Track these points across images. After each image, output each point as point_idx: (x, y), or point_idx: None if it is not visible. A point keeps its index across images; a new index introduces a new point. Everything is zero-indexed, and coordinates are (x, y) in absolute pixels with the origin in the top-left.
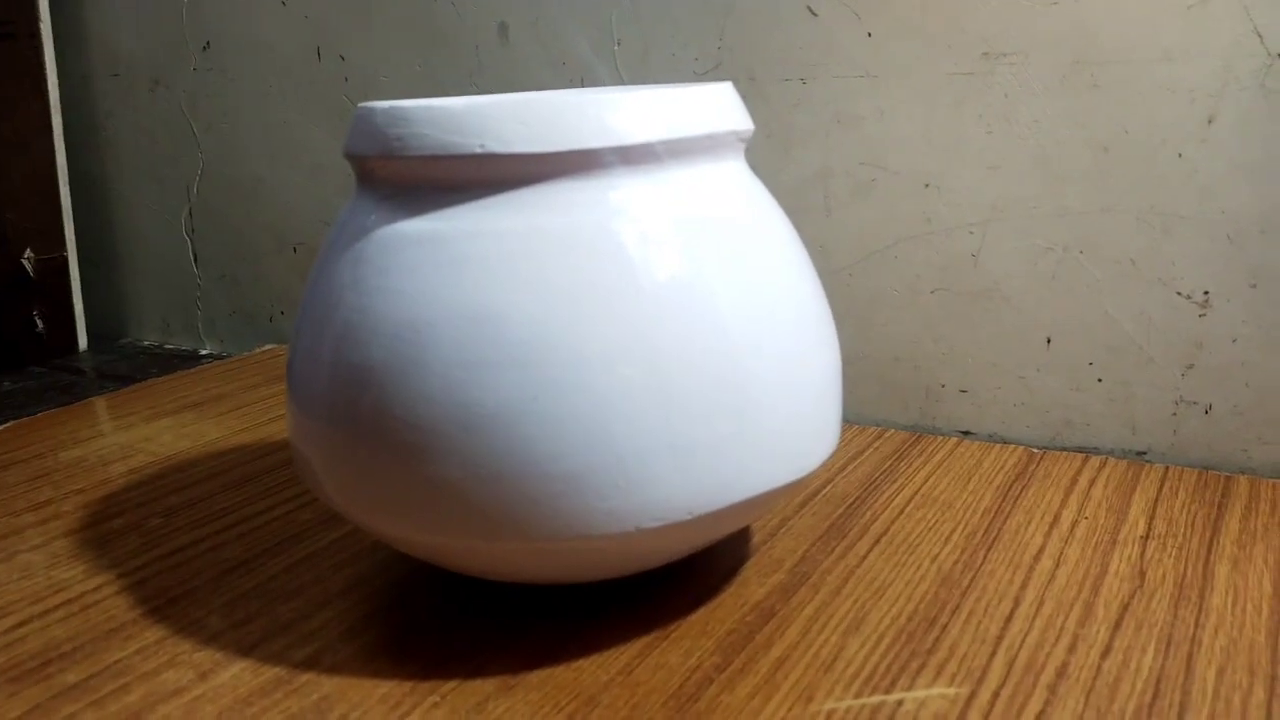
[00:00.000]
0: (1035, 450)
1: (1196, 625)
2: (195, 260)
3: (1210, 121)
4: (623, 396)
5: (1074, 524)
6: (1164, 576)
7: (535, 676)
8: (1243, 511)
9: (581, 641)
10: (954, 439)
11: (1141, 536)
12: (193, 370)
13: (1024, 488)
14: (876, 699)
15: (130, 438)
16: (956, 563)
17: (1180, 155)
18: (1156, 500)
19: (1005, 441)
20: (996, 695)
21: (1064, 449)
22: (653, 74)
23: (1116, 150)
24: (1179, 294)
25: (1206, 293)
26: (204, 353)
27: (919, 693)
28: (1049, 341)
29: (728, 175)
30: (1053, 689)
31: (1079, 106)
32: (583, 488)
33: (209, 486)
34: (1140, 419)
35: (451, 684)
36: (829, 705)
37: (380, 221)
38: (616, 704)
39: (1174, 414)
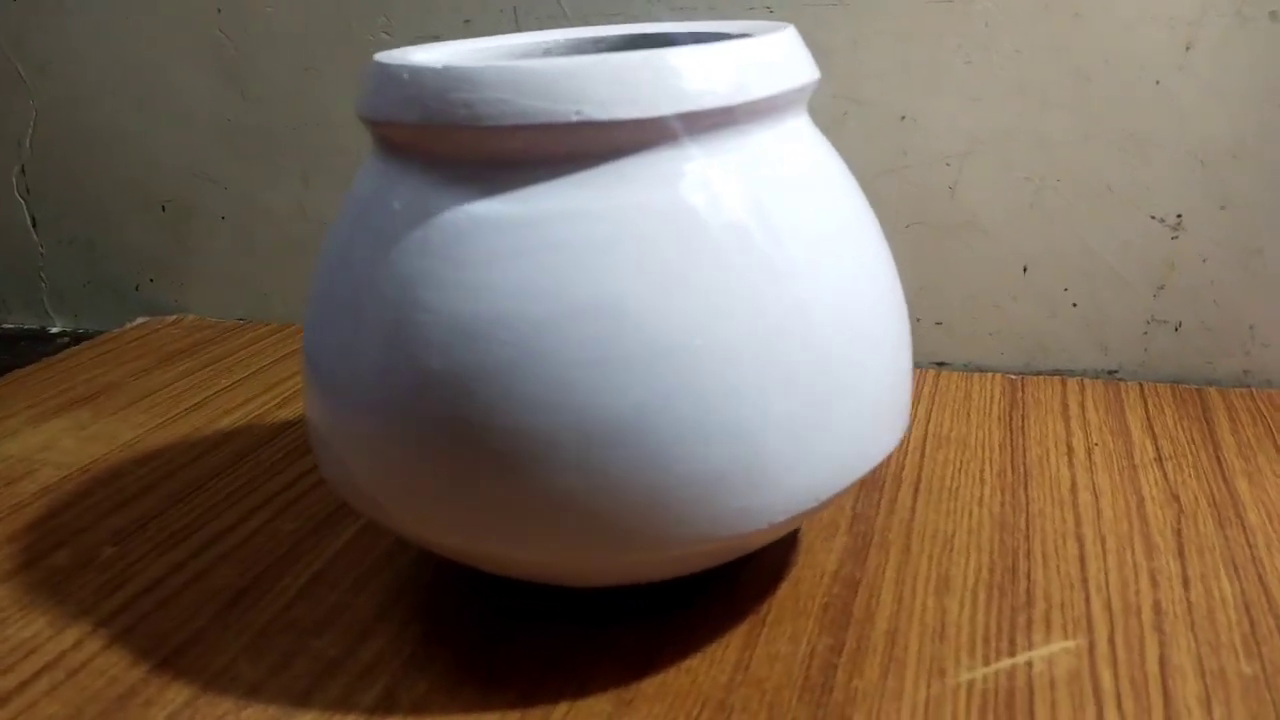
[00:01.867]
0: (1013, 377)
1: (1249, 545)
2: (34, 225)
3: (1188, 49)
4: (753, 387)
5: (1089, 451)
6: (1196, 498)
7: (649, 685)
8: (1230, 424)
9: (675, 640)
10: (931, 370)
11: (1155, 459)
12: (62, 356)
13: (1023, 417)
14: (1006, 663)
15: (23, 448)
16: (1003, 505)
17: (1158, 83)
18: (1149, 420)
19: (981, 370)
20: (1112, 642)
21: (1039, 373)
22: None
23: (1097, 79)
24: (1153, 218)
25: (1179, 216)
26: (54, 330)
27: (1042, 650)
28: (1025, 270)
29: (803, 131)
30: (1159, 629)
31: (1060, 35)
32: (719, 489)
33: (152, 501)
34: (1112, 340)
35: (562, 708)
36: (964, 677)
37: (446, 204)
38: (750, 706)
39: (1145, 333)
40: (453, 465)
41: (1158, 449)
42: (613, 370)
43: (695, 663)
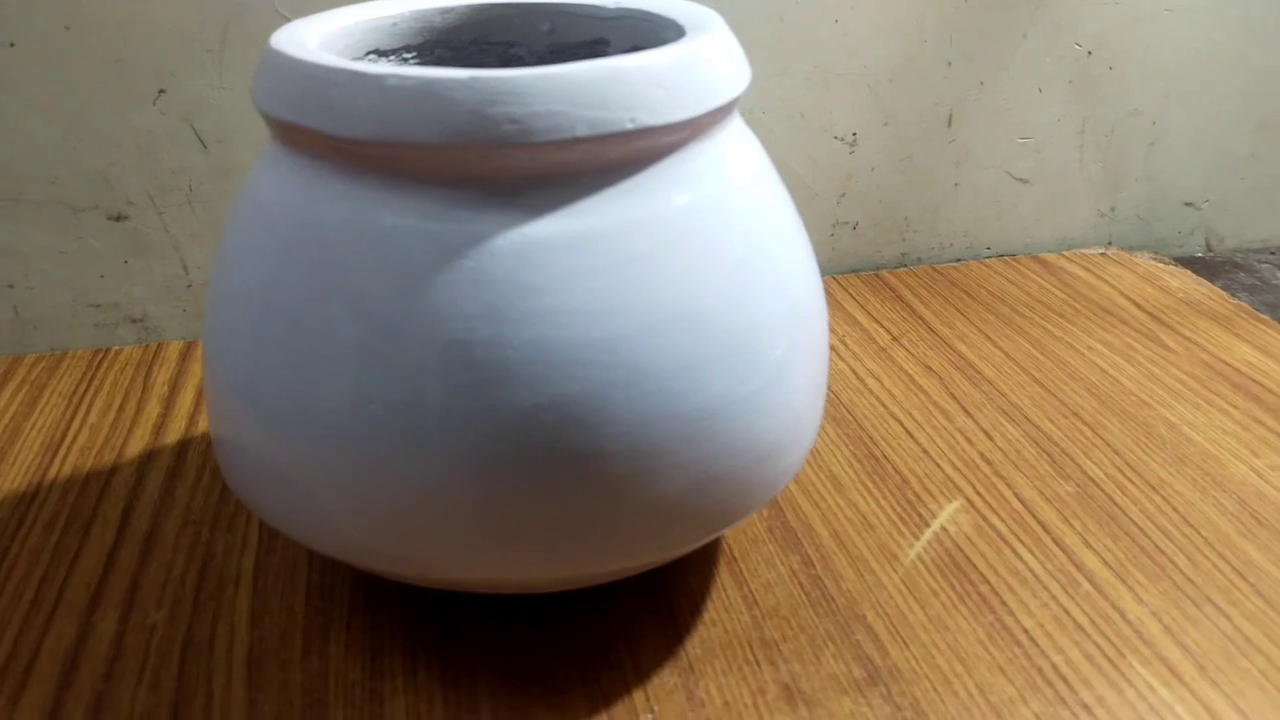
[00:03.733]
0: None
1: (1001, 394)
2: None
3: None
4: (794, 371)
5: (843, 342)
6: (942, 366)
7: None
8: (917, 299)
9: (666, 591)
10: None
11: (892, 340)
12: None
13: None
14: (929, 533)
15: None
16: (829, 405)
17: (836, 21)
18: (864, 307)
19: None
20: (979, 493)
21: None
22: None
23: (789, 19)
24: (835, 137)
25: (854, 134)
26: None
27: (943, 516)
28: None
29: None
30: (998, 473)
31: None
32: (782, 467)
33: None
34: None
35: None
36: (911, 555)
37: (494, 228)
38: (782, 623)
39: (832, 234)
40: (548, 497)
41: (887, 330)
42: (702, 372)
43: (710, 608)
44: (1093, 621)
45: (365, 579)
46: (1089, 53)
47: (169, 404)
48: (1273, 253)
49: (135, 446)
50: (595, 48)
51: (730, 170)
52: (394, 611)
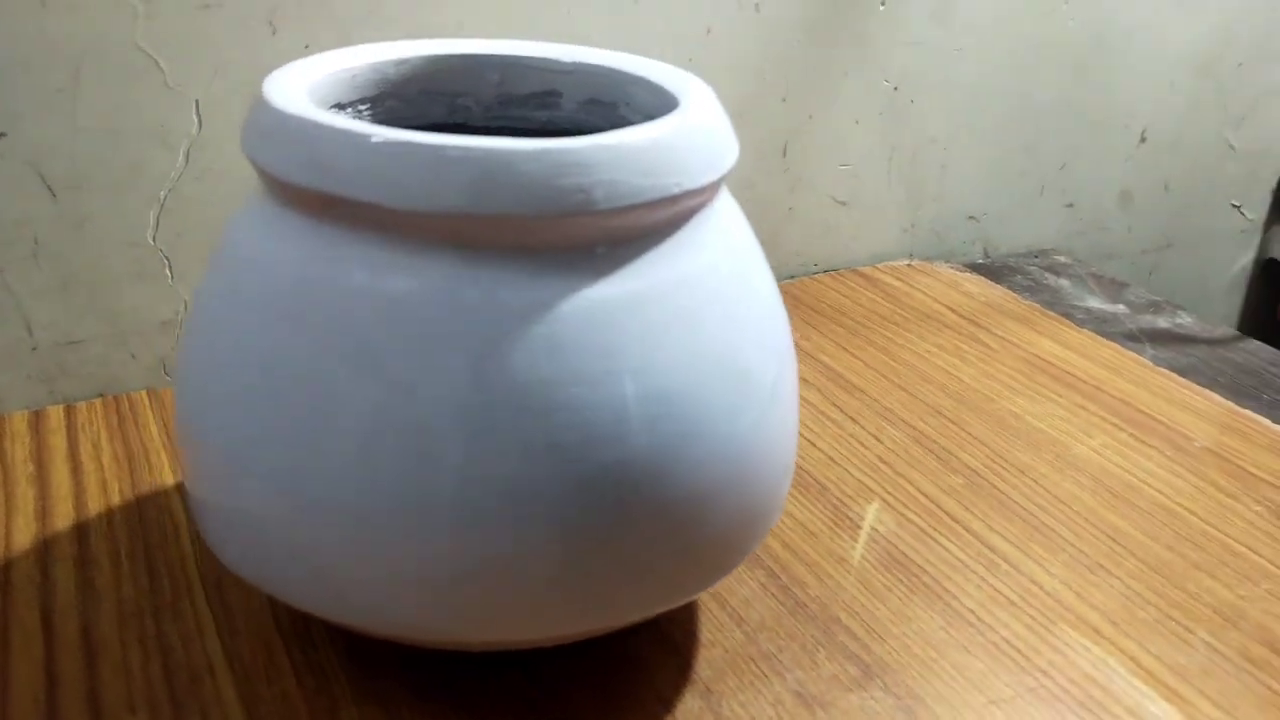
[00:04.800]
0: None
1: (875, 400)
2: None
3: (708, 32)
4: (786, 395)
5: None
6: (821, 377)
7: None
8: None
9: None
10: None
11: None
12: None
13: None
14: (863, 536)
15: None
16: None
17: (690, 59)
18: None
19: None
20: (889, 496)
21: None
22: None
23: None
24: None
25: None
26: None
27: (868, 519)
28: None
29: None
30: (871, 473)
31: (628, 24)
32: (788, 482)
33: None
34: None
35: None
36: (857, 557)
37: (562, 295)
38: (778, 634)
39: None
40: (620, 549)
41: None
42: (739, 413)
43: (704, 631)
44: (1021, 596)
45: (354, 649)
46: (895, 88)
47: (41, 483)
48: (1036, 256)
49: (21, 538)
50: (545, 99)
51: (735, 226)
52: (401, 677)
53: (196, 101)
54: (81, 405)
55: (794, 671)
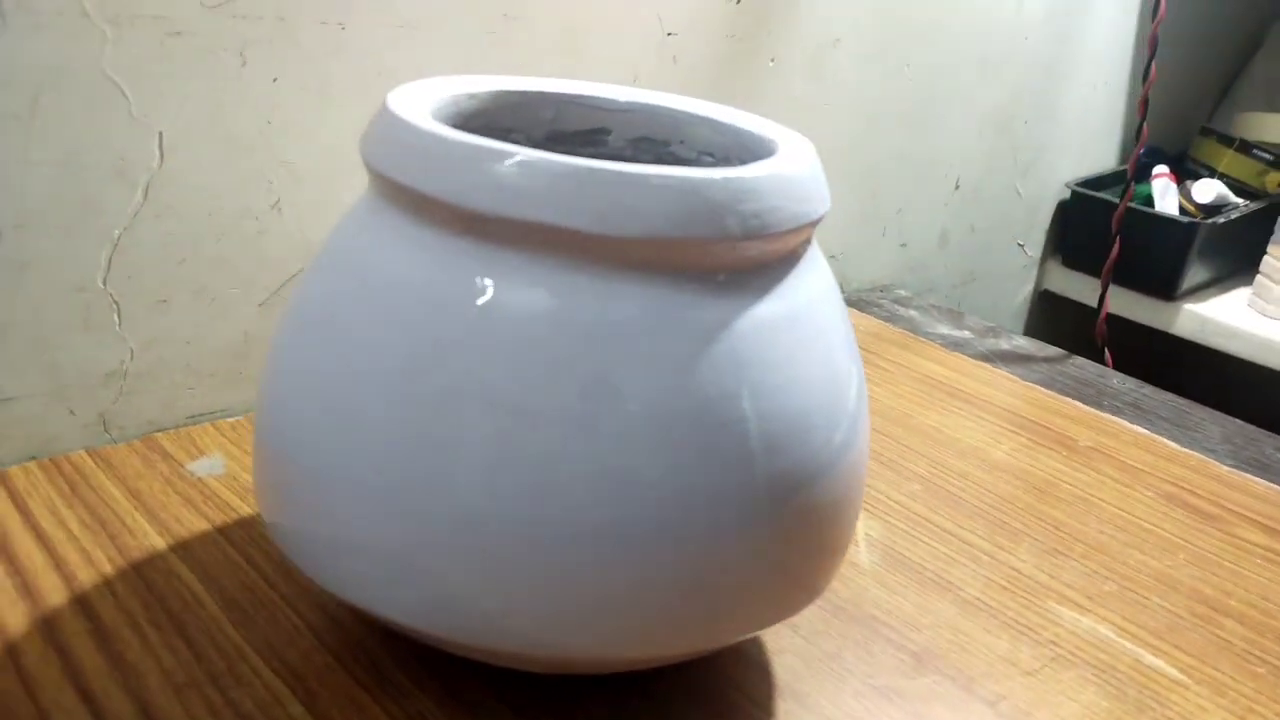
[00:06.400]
0: None
1: None
2: None
3: (674, 61)
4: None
5: None
6: None
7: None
8: None
9: None
10: None
11: None
12: None
13: None
14: (863, 542)
15: None
16: None
17: (635, 79)
18: None
19: None
20: (867, 506)
21: None
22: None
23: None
24: None
25: None
26: None
27: (861, 527)
28: None
29: None
30: None
31: (572, 50)
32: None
33: None
34: None
35: None
36: (866, 562)
37: (736, 313)
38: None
39: None
40: (782, 552)
41: None
42: (854, 425)
43: (768, 639)
44: (1009, 581)
45: (448, 691)
46: None
47: (8, 558)
48: (882, 290)
49: (12, 618)
50: (593, 136)
51: (821, 256)
52: (498, 710)
53: (161, 134)
54: (15, 470)
55: (860, 666)
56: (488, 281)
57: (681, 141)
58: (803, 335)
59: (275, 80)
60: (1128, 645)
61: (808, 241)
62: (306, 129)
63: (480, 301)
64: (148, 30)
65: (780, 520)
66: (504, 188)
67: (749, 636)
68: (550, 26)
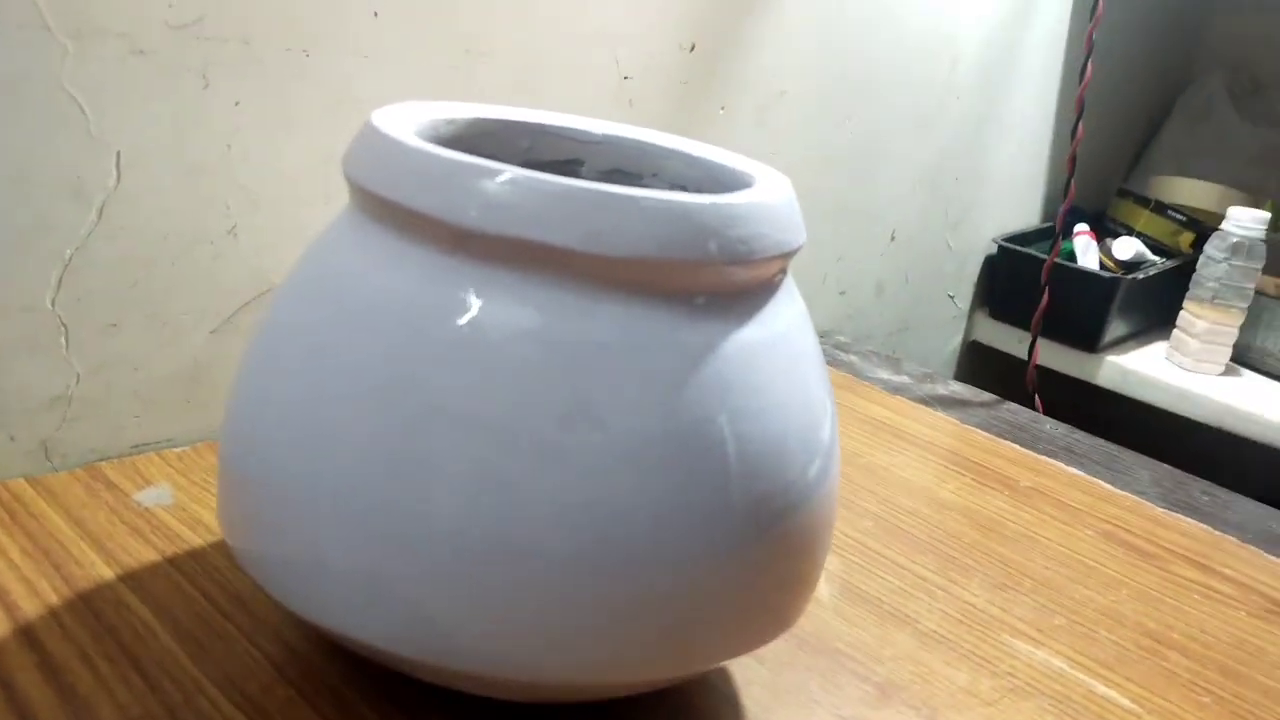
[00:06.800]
0: None
1: None
2: None
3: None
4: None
5: None
6: None
7: None
8: None
9: None
10: None
11: None
12: None
13: None
14: (822, 577)
15: None
16: None
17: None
18: None
19: None
20: None
21: None
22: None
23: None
24: None
25: None
26: None
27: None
28: None
29: None
30: None
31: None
32: None
33: None
34: None
35: None
36: (827, 595)
37: (720, 336)
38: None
39: None
40: (761, 575)
41: None
42: (829, 453)
43: (735, 670)
44: (963, 614)
45: (417, 716)
46: None
47: None
48: (823, 336)
49: None
50: (567, 167)
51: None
52: None
53: (118, 153)
54: None
55: (827, 697)
56: (473, 298)
57: (654, 175)
58: (782, 361)
59: (237, 104)
60: (1080, 676)
61: (784, 272)
62: (267, 155)
63: (464, 319)
64: (110, 47)
65: (757, 548)
66: (495, 205)
67: (719, 665)
68: (510, 64)
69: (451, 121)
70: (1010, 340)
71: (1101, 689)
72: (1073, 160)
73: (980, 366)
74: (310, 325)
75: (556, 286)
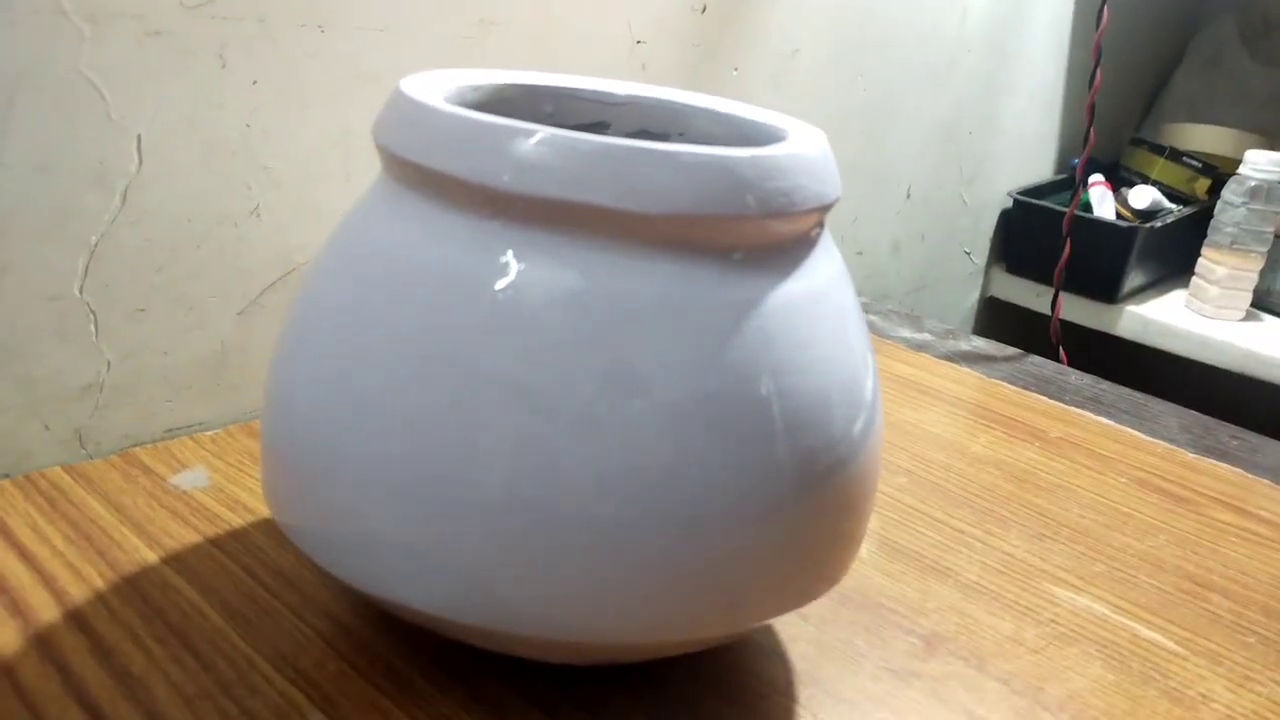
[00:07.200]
0: None
1: None
2: None
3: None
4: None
5: None
6: None
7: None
8: None
9: None
10: None
11: None
12: None
13: None
14: None
15: None
16: None
17: None
18: None
19: None
20: None
21: None
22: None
23: None
24: None
25: None
26: None
27: None
28: None
29: None
30: None
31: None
32: None
33: None
34: None
35: None
36: (863, 552)
37: (763, 291)
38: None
39: None
40: (813, 532)
41: None
42: (875, 402)
43: (781, 628)
44: (1004, 565)
45: (472, 694)
46: None
47: None
48: None
49: (3, 637)
50: (593, 129)
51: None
52: (523, 711)
53: (139, 136)
54: None
55: (874, 650)
56: (512, 261)
57: (681, 134)
58: (824, 316)
59: (255, 82)
60: (1124, 621)
61: (821, 225)
62: (286, 133)
63: (504, 282)
64: (126, 29)
65: (805, 506)
66: (529, 166)
67: (766, 623)
68: (524, 32)
69: (477, 88)
70: (1028, 294)
71: (1146, 633)
72: (1091, 109)
73: (998, 322)
74: (349, 298)
75: (594, 247)
